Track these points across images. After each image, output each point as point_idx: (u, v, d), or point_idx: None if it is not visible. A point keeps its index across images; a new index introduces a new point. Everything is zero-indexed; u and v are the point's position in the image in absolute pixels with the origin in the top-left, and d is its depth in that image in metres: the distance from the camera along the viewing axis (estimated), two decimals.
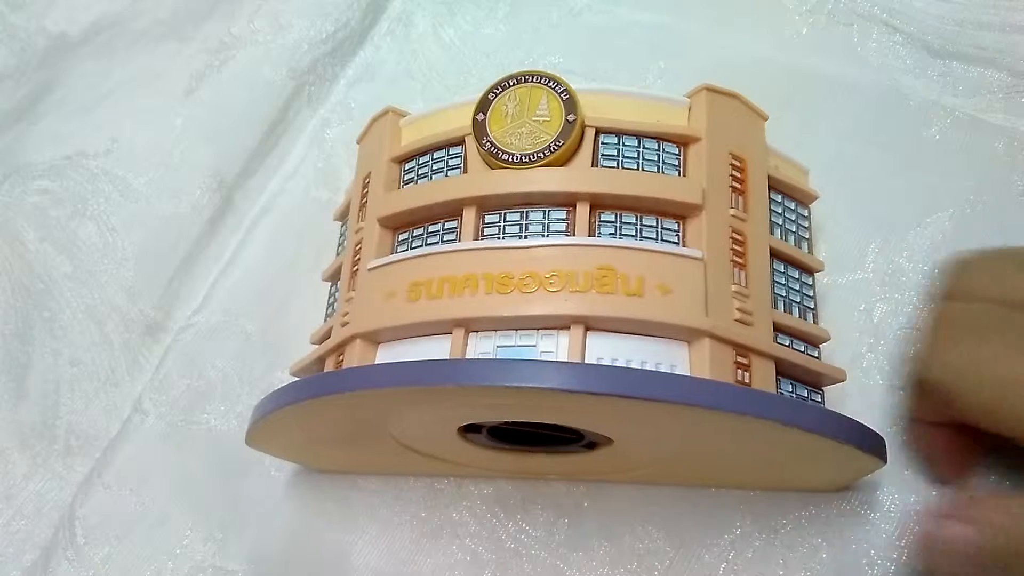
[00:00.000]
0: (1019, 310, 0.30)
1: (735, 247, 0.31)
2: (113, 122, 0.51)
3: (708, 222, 0.31)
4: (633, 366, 0.29)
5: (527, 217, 0.31)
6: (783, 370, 0.32)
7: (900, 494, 0.35)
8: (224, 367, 0.44)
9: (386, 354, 0.32)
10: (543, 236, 0.31)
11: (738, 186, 0.32)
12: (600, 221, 0.31)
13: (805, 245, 0.35)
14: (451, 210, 0.32)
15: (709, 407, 0.26)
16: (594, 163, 0.32)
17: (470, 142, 0.33)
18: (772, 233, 0.34)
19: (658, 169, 0.32)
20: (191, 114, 0.51)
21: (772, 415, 0.27)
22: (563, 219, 0.31)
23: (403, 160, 0.36)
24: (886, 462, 0.31)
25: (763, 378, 0.31)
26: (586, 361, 0.29)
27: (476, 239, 0.32)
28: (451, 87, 0.50)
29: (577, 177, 0.31)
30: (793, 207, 0.35)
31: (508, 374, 0.26)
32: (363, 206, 0.36)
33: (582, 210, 0.31)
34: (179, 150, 0.50)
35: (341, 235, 0.40)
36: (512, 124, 0.32)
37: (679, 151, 0.32)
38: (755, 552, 0.35)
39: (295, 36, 0.52)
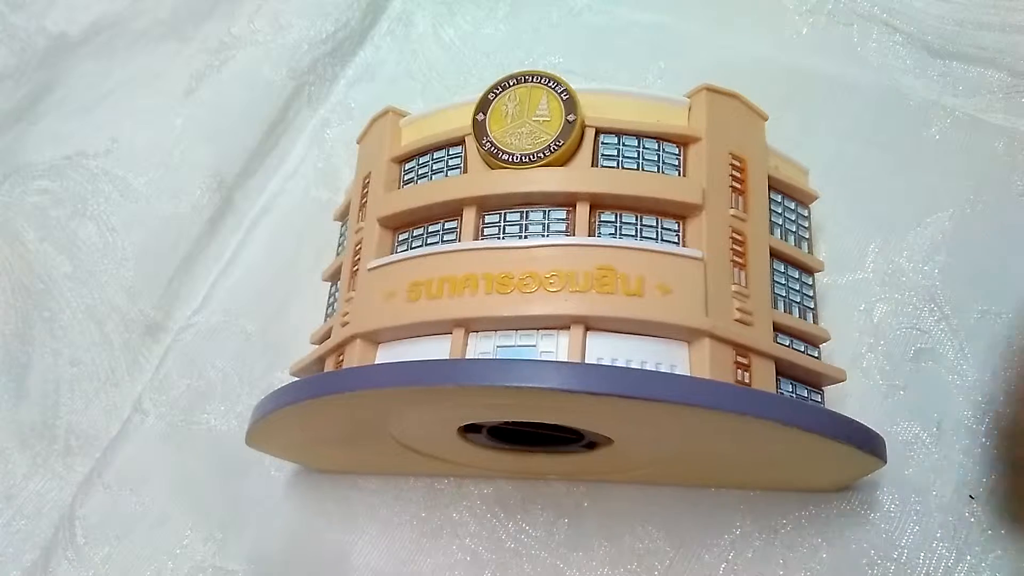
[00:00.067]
0: None
1: (735, 247, 0.31)
2: (113, 122, 0.51)
3: (708, 222, 0.31)
4: (633, 366, 0.29)
5: (527, 217, 0.31)
6: (783, 370, 0.32)
7: (900, 494, 0.35)
8: (224, 367, 0.44)
9: (386, 354, 0.32)
10: (543, 236, 0.31)
11: (738, 186, 0.32)
12: (600, 221, 0.31)
13: (805, 245, 0.35)
14: (451, 210, 0.32)
15: (709, 407, 0.26)
16: (594, 163, 0.32)
17: (470, 142, 0.33)
18: (772, 233, 0.34)
19: (658, 169, 0.32)
20: (191, 114, 0.51)
21: (772, 415, 0.27)
22: (563, 219, 0.31)
23: (403, 160, 0.35)
24: (886, 462, 0.31)
25: (763, 378, 0.31)
26: (586, 361, 0.29)
27: (476, 239, 0.32)
28: (451, 87, 0.50)
29: (577, 177, 0.31)
30: (793, 207, 0.35)
31: (508, 374, 0.26)
32: (363, 206, 0.36)
33: (582, 210, 0.31)
34: (179, 150, 0.50)
35: (341, 235, 0.40)
36: (512, 124, 0.32)
37: (679, 151, 0.32)
38: (755, 552, 0.35)
39: (295, 36, 0.52)
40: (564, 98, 0.32)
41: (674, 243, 0.31)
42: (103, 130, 0.51)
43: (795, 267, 0.34)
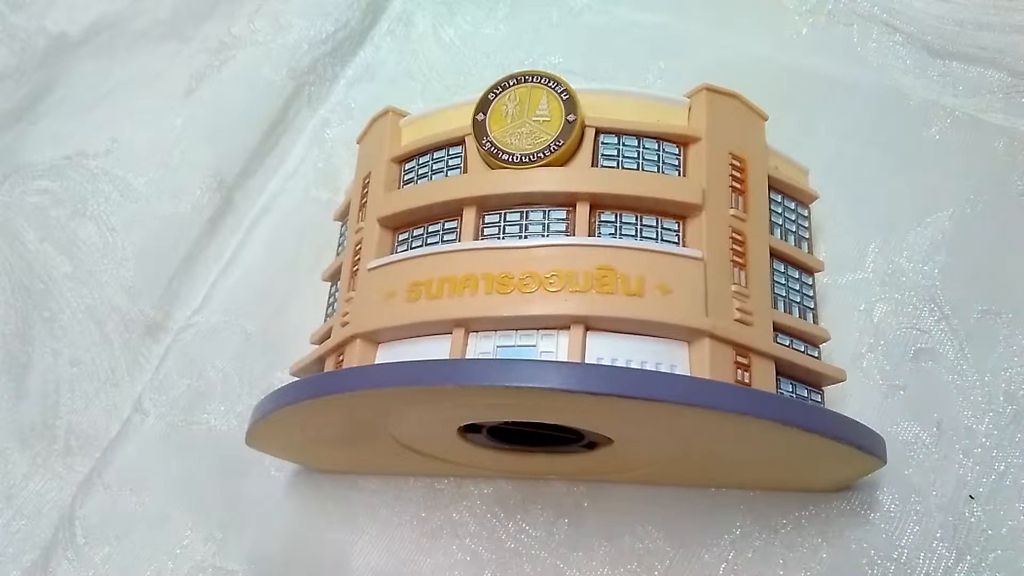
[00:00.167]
0: None
1: (735, 247, 0.31)
2: (113, 122, 0.51)
3: (708, 222, 0.31)
4: (633, 366, 0.29)
5: (527, 217, 0.31)
6: (783, 370, 0.32)
7: (900, 494, 0.35)
8: (224, 367, 0.44)
9: (386, 354, 0.32)
10: (543, 236, 0.31)
11: (738, 186, 0.32)
12: (600, 221, 0.31)
13: (805, 245, 0.35)
14: (451, 210, 0.32)
15: (709, 407, 0.26)
16: (594, 163, 0.32)
17: (470, 142, 0.33)
18: (772, 233, 0.34)
19: (658, 169, 0.32)
20: (191, 114, 0.51)
21: (772, 415, 0.27)
22: (563, 219, 0.31)
23: (403, 160, 0.35)
24: (886, 462, 0.31)
25: (763, 378, 0.31)
26: (586, 361, 0.29)
27: (476, 239, 0.32)
28: (451, 87, 0.50)
29: (577, 177, 0.31)
30: (793, 207, 0.35)
31: (508, 374, 0.26)
32: (363, 206, 0.36)
33: (582, 210, 0.31)
34: (179, 150, 0.50)
35: (341, 235, 0.40)
36: (512, 124, 0.32)
37: (679, 151, 0.32)
38: (755, 552, 0.35)
39: (295, 36, 0.52)
40: (564, 98, 0.32)
41: (674, 243, 0.31)
42: (103, 130, 0.51)
43: (795, 267, 0.34)
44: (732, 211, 0.32)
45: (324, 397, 0.29)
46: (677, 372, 0.29)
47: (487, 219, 0.32)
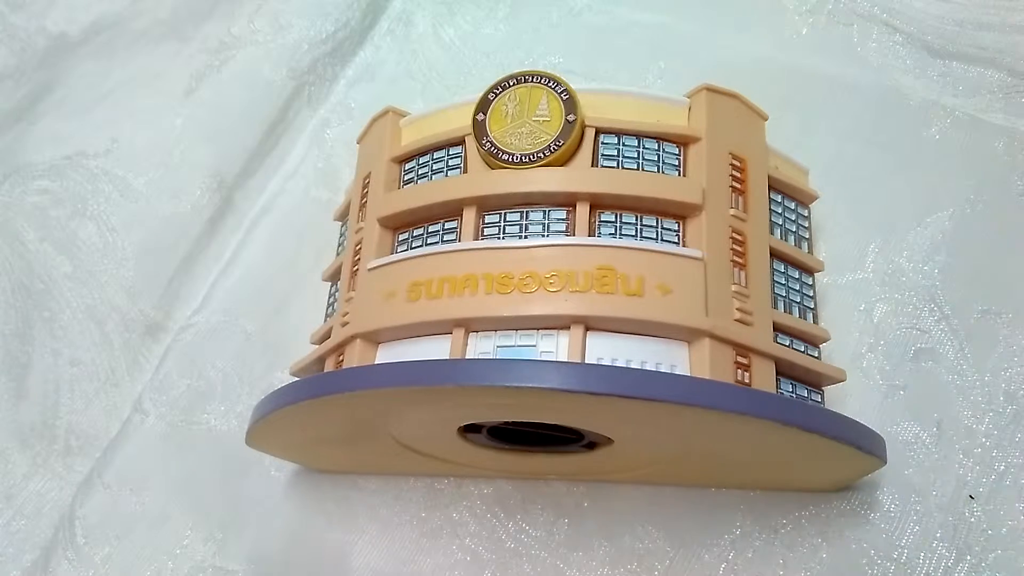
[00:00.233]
0: None
1: (735, 247, 0.31)
2: (113, 122, 0.51)
3: (708, 222, 0.31)
4: (633, 366, 0.29)
5: (527, 217, 0.31)
6: (783, 370, 0.32)
7: (900, 494, 0.35)
8: (224, 367, 0.44)
9: (386, 354, 0.32)
10: (543, 236, 0.31)
11: (738, 186, 0.32)
12: (600, 221, 0.31)
13: (805, 245, 0.35)
14: (451, 210, 0.32)
15: (709, 407, 0.26)
16: (594, 163, 0.32)
17: (470, 142, 0.33)
18: (772, 233, 0.34)
19: (658, 169, 0.32)
20: (191, 114, 0.51)
21: (772, 415, 0.27)
22: (563, 219, 0.31)
23: (403, 160, 0.35)
24: (886, 462, 0.31)
25: (763, 378, 0.31)
26: (586, 361, 0.29)
27: (476, 239, 0.32)
28: (451, 87, 0.50)
29: (577, 177, 0.31)
30: (793, 207, 0.35)
31: (508, 374, 0.26)
32: (363, 206, 0.36)
33: (582, 210, 0.31)
34: (179, 150, 0.50)
35: (341, 235, 0.40)
36: (512, 124, 0.32)
37: (679, 151, 0.32)
38: (755, 552, 0.35)
39: (295, 36, 0.52)
40: (564, 98, 0.32)
41: (674, 243, 0.31)
42: (103, 130, 0.51)
43: (795, 267, 0.34)
44: (732, 211, 0.32)
45: (324, 397, 0.29)
46: (677, 372, 0.29)
47: (487, 219, 0.32)
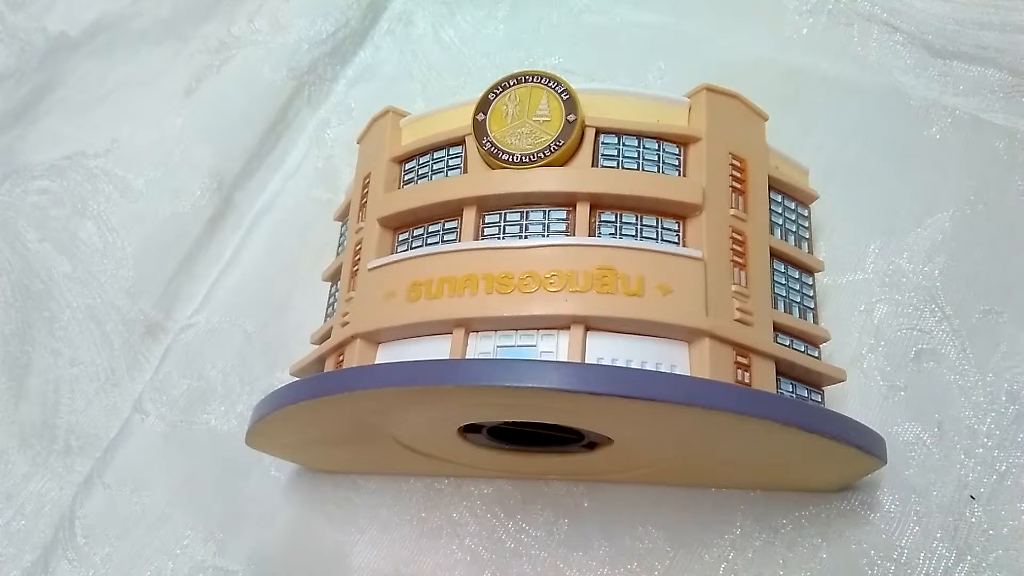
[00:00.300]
0: None
1: (735, 247, 0.31)
2: (113, 122, 0.51)
3: (708, 222, 0.31)
4: (633, 366, 0.29)
5: (527, 217, 0.31)
6: (783, 370, 0.32)
7: (900, 494, 0.35)
8: (224, 367, 0.44)
9: (386, 354, 0.32)
10: (543, 236, 0.31)
11: (738, 186, 0.32)
12: (600, 221, 0.31)
13: (805, 245, 0.35)
14: (451, 210, 0.32)
15: (709, 407, 0.26)
16: (594, 163, 0.32)
17: (470, 142, 0.33)
18: (772, 233, 0.33)
19: (658, 169, 0.32)
20: (191, 114, 0.51)
21: (772, 415, 0.27)
22: (563, 219, 0.31)
23: (403, 160, 0.35)
24: (886, 462, 0.31)
25: (763, 378, 0.31)
26: (586, 361, 0.29)
27: (476, 239, 0.32)
28: (451, 87, 0.50)
29: (577, 177, 0.31)
30: (793, 207, 0.35)
31: (508, 374, 0.26)
32: (363, 206, 0.36)
33: (582, 210, 0.31)
34: (179, 150, 0.50)
35: (341, 235, 0.40)
36: (512, 124, 0.32)
37: (679, 151, 0.32)
38: (755, 552, 0.35)
39: (295, 36, 0.52)
40: (564, 98, 0.32)
41: (674, 243, 0.31)
42: (103, 130, 0.51)
43: (795, 267, 0.34)
44: (732, 211, 0.32)
45: (324, 397, 0.29)
46: (677, 372, 0.29)
47: (487, 219, 0.32)
